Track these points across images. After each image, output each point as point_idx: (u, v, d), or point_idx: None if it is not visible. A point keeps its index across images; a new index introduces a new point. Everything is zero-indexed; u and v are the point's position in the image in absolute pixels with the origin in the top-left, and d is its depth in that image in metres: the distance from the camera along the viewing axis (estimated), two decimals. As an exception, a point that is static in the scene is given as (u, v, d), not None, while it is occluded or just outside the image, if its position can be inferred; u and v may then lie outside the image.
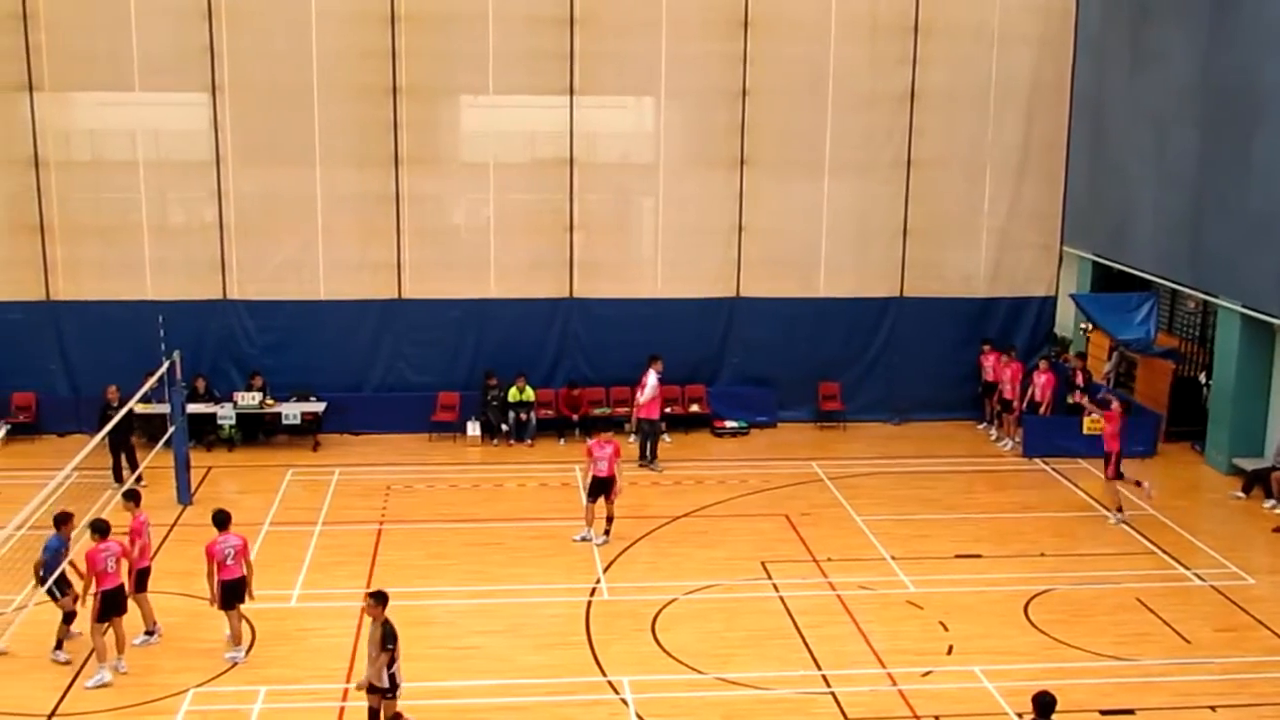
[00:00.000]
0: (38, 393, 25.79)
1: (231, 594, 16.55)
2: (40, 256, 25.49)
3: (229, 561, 16.41)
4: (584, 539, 20.52)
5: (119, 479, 22.39)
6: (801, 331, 26.86)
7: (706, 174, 26.49)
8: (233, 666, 16.36)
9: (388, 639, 13.93)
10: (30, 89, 25.02)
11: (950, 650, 16.92)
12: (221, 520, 16.65)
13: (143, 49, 25.06)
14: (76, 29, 24.96)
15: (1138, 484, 21.85)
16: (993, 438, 26.39)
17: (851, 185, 26.74)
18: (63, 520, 16.54)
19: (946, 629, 17.51)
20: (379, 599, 14.11)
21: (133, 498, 17.41)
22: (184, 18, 24.90)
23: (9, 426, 25.39)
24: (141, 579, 17.00)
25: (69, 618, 16.60)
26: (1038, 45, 26.71)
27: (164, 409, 22.97)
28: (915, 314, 27.12)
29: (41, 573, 16.40)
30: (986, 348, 26.80)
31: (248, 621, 17.23)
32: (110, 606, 16.04)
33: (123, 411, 21.33)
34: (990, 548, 20.56)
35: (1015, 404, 25.75)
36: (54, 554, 16.35)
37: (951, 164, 26.84)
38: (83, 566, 16.20)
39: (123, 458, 22.79)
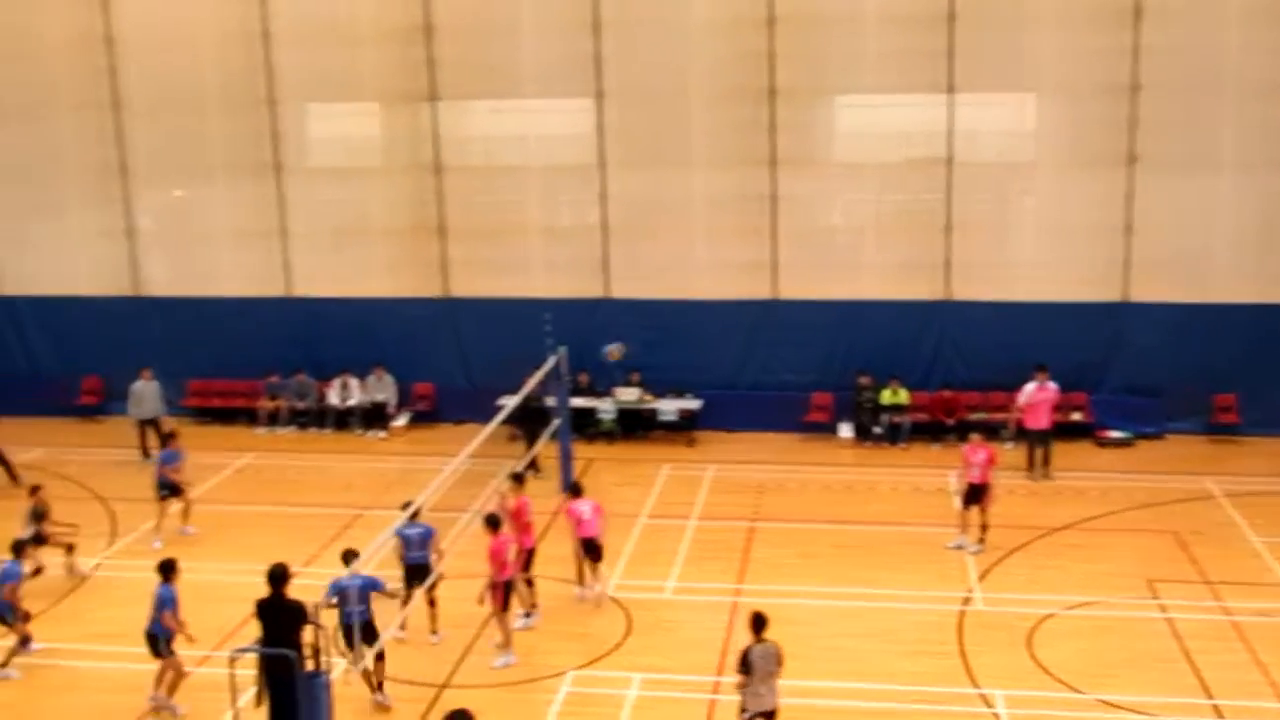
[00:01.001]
0: (436, 383, 27.43)
1: (591, 549, 18.28)
2: (439, 256, 27.10)
3: (586, 517, 18.08)
4: (958, 546, 20.13)
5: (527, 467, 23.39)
6: (1194, 338, 25.23)
7: (1090, 172, 25.34)
8: (611, 651, 16.91)
9: (741, 664, 13.60)
10: (432, 99, 26.62)
11: (1366, 689, 15.65)
12: (577, 489, 18.60)
13: (533, 58, 26.21)
14: (473, 41, 26.33)
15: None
16: None
17: (1254, 182, 24.95)
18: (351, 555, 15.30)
19: (1361, 665, 16.20)
20: (752, 623, 13.77)
21: (518, 480, 18.28)
22: (572, 28, 25.86)
23: (411, 414, 27.12)
24: (525, 561, 17.79)
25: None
26: None
27: (550, 402, 23.92)
28: (1327, 321, 25.08)
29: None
30: None
31: (624, 610, 17.86)
32: (509, 596, 16.72)
33: (512, 404, 22.27)
34: None
35: None
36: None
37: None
38: None
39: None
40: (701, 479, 23.82)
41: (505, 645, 16.69)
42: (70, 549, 19.74)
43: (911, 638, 17.27)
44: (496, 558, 16.48)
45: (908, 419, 25.51)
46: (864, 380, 25.62)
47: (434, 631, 17.35)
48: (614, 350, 22.88)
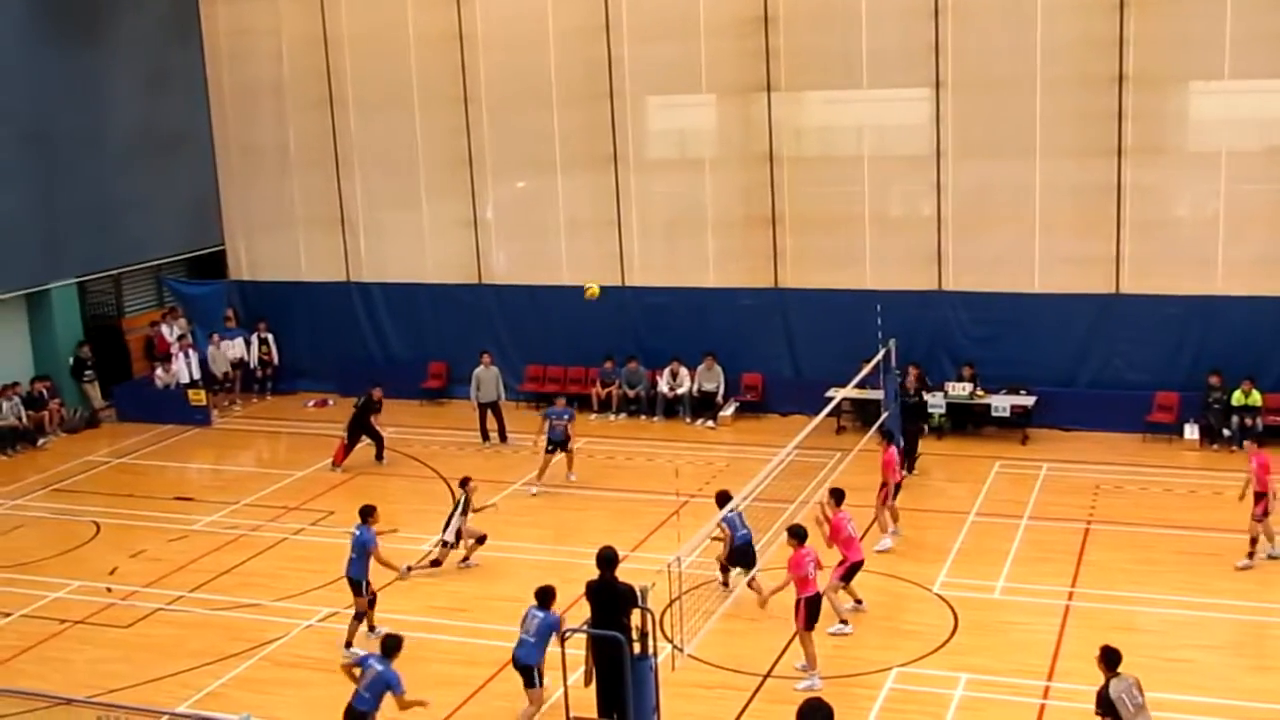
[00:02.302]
0: (764, 374, 27.56)
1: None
2: (771, 246, 27.19)
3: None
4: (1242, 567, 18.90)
5: (911, 467, 23.25)
6: None
7: None
8: (937, 649, 16.63)
9: (1099, 705, 12.66)
10: (768, 89, 26.72)
11: None
12: (891, 436, 19.95)
13: (871, 48, 25.90)
14: (811, 31, 26.27)
15: None
16: None
17: None
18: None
19: None
20: (1103, 659, 12.88)
21: (836, 496, 17.67)
22: (912, 16, 25.45)
23: (738, 404, 27.34)
24: (848, 572, 17.43)
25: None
26: None
27: (878, 395, 23.72)
28: None
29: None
30: None
31: (951, 608, 17.57)
32: (814, 613, 15.97)
33: (844, 392, 22.22)
34: None
35: None
36: None
37: None
38: None
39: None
40: (1034, 478, 23.11)
41: (810, 667, 16.03)
42: (482, 540, 20.19)
43: (1261, 652, 16.37)
44: (795, 570, 15.89)
45: (1261, 421, 24.03)
46: (1214, 380, 24.29)
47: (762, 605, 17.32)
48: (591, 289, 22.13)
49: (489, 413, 26.39)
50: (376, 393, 25.57)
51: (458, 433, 27.05)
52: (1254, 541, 18.87)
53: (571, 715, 13.70)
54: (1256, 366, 24.31)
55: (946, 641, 16.96)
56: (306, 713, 15.93)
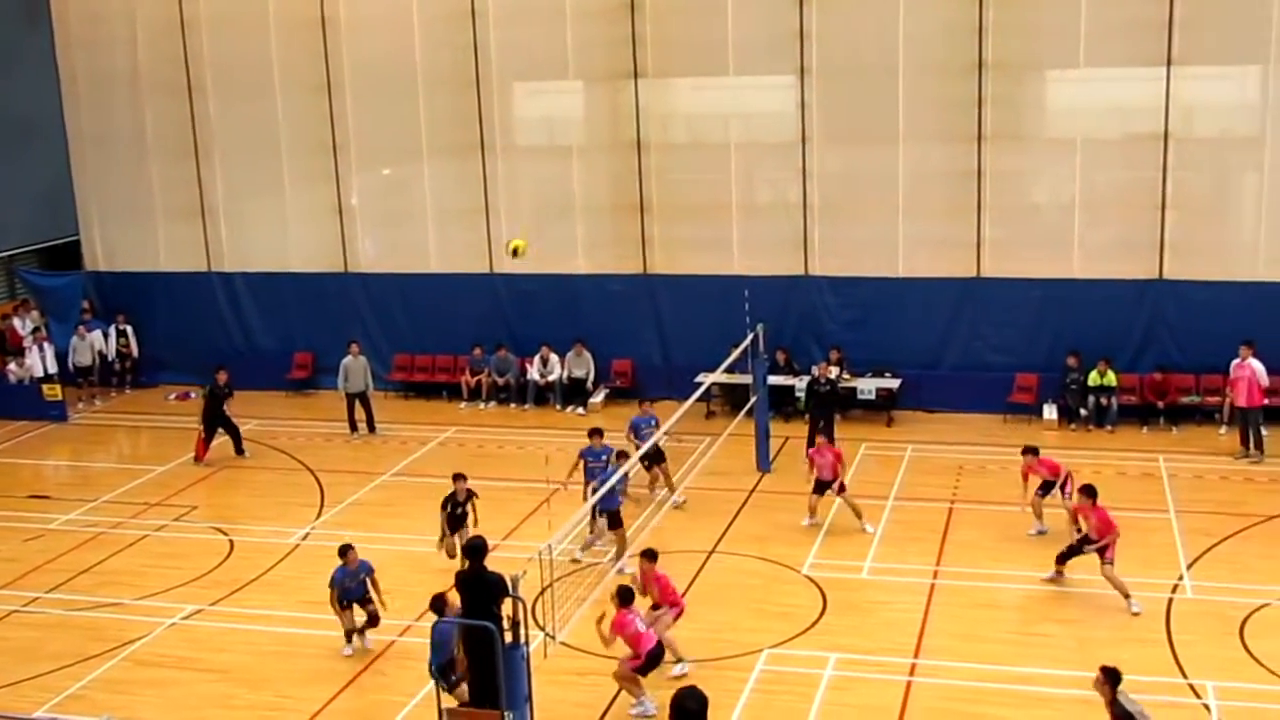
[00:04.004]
0: (634, 360, 27.64)
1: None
2: (639, 232, 27.23)
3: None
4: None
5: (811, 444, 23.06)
6: None
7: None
8: (806, 630, 16.82)
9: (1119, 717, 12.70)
10: (635, 76, 26.74)
11: None
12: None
13: (737, 35, 26.07)
14: (677, 18, 26.33)
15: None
16: None
17: None
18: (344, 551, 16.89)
19: None
20: (1108, 679, 12.84)
21: (650, 556, 16.19)
22: (777, 3, 25.62)
23: (608, 390, 27.36)
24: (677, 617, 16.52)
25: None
26: None
27: (746, 379, 23.89)
28: None
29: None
30: None
31: (819, 589, 17.77)
32: (652, 664, 15.04)
33: (713, 377, 22.27)
34: None
35: None
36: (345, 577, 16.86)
37: None
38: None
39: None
40: (900, 459, 23.50)
41: (638, 694, 15.14)
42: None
43: (1117, 625, 16.77)
44: (619, 631, 14.93)
45: (1116, 401, 24.72)
46: (1071, 361, 24.92)
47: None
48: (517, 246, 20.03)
49: (357, 403, 26.04)
50: (221, 376, 24.92)
51: (325, 424, 26.66)
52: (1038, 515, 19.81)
53: (443, 706, 13.58)
54: (1112, 348, 24.98)
55: (816, 622, 17.17)
56: (170, 713, 15.60)
